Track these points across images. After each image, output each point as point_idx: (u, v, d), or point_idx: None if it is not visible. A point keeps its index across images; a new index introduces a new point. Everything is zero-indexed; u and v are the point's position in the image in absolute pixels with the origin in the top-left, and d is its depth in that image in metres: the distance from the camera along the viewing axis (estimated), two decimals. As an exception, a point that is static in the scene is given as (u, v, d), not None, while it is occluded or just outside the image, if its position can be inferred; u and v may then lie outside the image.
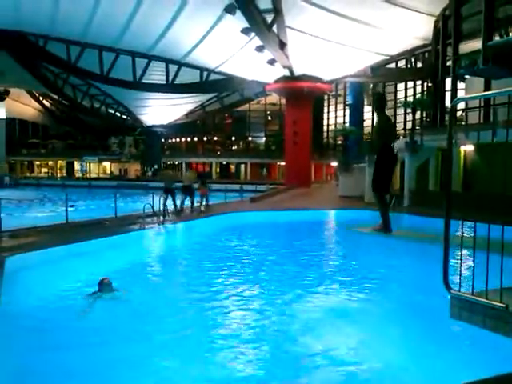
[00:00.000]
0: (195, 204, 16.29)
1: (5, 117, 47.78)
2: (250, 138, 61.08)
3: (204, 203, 16.63)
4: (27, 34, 35.49)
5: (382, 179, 11.33)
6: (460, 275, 3.72)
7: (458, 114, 18.15)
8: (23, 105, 60.24)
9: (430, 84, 26.39)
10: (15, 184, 39.23)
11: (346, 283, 7.44)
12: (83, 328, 5.34)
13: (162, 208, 14.24)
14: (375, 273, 8.06)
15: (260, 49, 26.50)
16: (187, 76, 36.18)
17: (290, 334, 5.18)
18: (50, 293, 6.50)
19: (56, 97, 55.78)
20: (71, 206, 13.73)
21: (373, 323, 5.64)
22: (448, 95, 20.59)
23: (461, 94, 20.44)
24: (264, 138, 59.93)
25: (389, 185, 11.80)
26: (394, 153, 11.49)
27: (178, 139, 63.60)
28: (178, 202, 15.46)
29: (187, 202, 16.21)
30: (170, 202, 15.07)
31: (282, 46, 26.31)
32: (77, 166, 60.17)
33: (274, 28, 24.70)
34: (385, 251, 10.11)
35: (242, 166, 56.84)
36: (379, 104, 12.40)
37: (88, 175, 56.32)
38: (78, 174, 55.90)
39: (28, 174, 58.57)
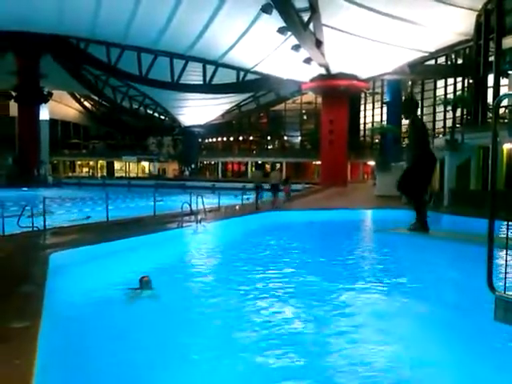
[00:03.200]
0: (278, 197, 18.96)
1: (48, 118, 49.30)
2: (285, 138, 60.96)
3: (288, 197, 20.59)
4: (69, 38, 36.58)
5: (416, 183, 11.07)
6: (505, 277, 3.61)
7: (501, 110, 17.59)
8: (65, 106, 62.09)
9: (470, 81, 25.68)
10: (58, 183, 40.46)
11: (379, 285, 7.33)
12: (117, 326, 5.46)
13: (255, 201, 17.39)
14: (411, 276, 7.92)
15: (296, 48, 26.43)
16: (224, 76, 36.48)
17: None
18: (91, 288, 6.66)
19: (96, 98, 57.29)
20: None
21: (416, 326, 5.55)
22: (490, 92, 19.98)
23: (503, 90, 19.80)
24: (299, 138, 59.69)
25: (423, 188, 11.58)
26: (432, 157, 11.14)
27: (214, 139, 64.16)
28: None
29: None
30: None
31: (319, 44, 26.16)
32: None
33: (311, 26, 24.57)
34: (423, 253, 9.91)
35: (278, 165, 56.78)
36: (408, 108, 11.75)
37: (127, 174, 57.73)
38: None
39: (70, 174, 60.37)
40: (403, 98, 32.28)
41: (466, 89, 28.93)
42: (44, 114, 46.59)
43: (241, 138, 62.74)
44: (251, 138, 63.03)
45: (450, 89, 37.26)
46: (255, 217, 14.84)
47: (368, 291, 6.87)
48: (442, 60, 32.64)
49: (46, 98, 45.24)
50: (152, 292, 6.52)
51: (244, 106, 52.24)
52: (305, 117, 58.49)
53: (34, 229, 10.13)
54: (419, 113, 44.20)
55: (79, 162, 66.01)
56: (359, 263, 9.20)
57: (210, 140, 64.18)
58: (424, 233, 10.97)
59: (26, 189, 33.37)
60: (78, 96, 62.66)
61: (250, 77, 36.84)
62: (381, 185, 23.15)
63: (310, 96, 49.29)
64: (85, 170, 65.46)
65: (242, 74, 36.68)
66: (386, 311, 6.04)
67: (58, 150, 57.70)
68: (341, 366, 4.25)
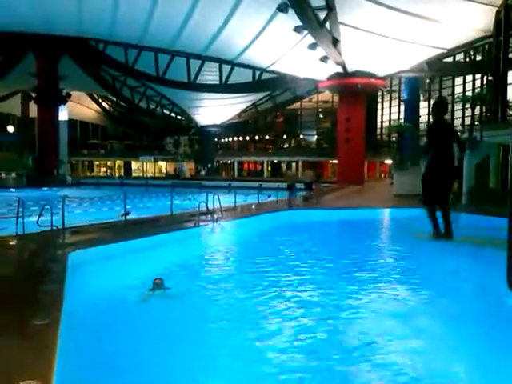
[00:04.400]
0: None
1: (67, 119, 49.99)
2: (301, 136, 60.83)
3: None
4: (88, 40, 37.09)
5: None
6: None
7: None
8: (84, 107, 62.92)
9: (490, 77, 25.30)
10: (77, 183, 41.01)
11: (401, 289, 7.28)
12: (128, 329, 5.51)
13: (288, 200, 17.18)
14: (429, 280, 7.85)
15: (312, 46, 26.36)
16: (240, 76, 36.58)
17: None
18: (108, 287, 6.73)
19: (114, 99, 57.93)
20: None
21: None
22: (510, 89, 19.69)
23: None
24: (315, 136, 59.49)
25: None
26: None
27: (230, 138, 64.37)
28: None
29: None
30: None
31: (335, 42, 26.06)
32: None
33: (327, 25, 24.50)
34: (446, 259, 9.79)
35: (294, 164, 56.72)
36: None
37: (145, 174, 58.22)
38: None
39: (88, 174, 61.13)
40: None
41: (484, 86, 28.56)
42: (63, 114, 47.23)
43: (257, 137, 62.83)
44: (267, 137, 63.07)
45: (469, 86, 36.79)
46: (273, 216, 14.73)
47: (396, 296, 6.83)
48: (460, 57, 32.22)
49: (64, 99, 45.85)
50: (167, 292, 6.56)
51: (260, 106, 52.29)
52: (321, 115, 58.31)
53: (53, 228, 10.27)
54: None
55: (97, 162, 66.79)
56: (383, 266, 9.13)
57: (226, 139, 64.41)
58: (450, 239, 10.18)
59: (46, 188, 33.90)
60: (97, 97, 63.42)
61: (266, 76, 36.86)
62: (399, 184, 22.96)
63: (326, 94, 49.12)
64: (103, 169, 66.23)
65: (258, 73, 36.74)
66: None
67: (77, 150, 58.46)
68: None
